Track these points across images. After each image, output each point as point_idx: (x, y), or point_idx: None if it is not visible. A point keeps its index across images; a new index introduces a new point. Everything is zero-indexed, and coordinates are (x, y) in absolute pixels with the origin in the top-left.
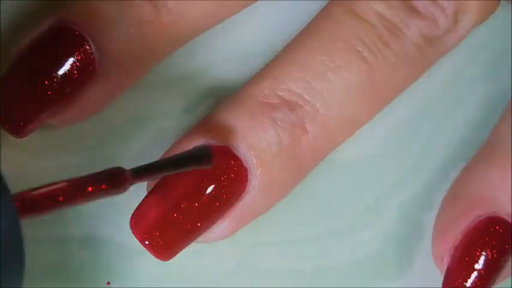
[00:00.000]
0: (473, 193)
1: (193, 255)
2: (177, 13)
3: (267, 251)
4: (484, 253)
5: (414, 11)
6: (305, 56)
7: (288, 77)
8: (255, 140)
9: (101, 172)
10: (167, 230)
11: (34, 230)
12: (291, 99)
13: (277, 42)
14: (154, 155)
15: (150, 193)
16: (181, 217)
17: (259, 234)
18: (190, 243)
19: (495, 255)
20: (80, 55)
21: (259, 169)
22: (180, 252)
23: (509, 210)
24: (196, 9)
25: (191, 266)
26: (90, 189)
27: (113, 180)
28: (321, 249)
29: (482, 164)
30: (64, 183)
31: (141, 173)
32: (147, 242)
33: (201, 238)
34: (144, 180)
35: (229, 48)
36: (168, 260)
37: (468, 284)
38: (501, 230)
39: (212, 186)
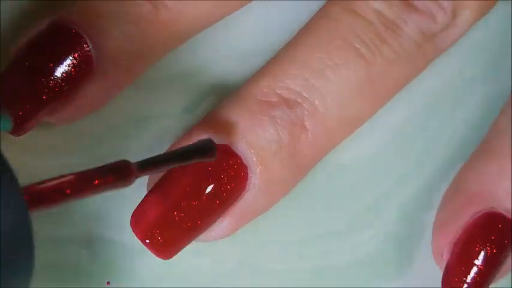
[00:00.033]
0: (472, 189)
1: (194, 254)
2: (177, 12)
3: (267, 251)
4: (483, 249)
5: (412, 8)
6: (303, 54)
7: (286, 75)
8: (254, 138)
9: (107, 165)
10: (168, 228)
11: (34, 230)
12: (290, 97)
13: (278, 41)
14: (154, 154)
15: (150, 192)
16: (182, 215)
17: (259, 233)
18: (191, 241)
19: (494, 251)
20: (77, 53)
21: (259, 167)
22: (181, 252)
23: (508, 205)
24: (196, 8)
25: (191, 265)
26: (96, 182)
27: (119, 173)
28: (321, 249)
29: (480, 160)
30: (71, 176)
31: (146, 165)
32: (147, 241)
33: (201, 237)
34: (149, 173)
35: (230, 47)
36: (169, 258)
37: (468, 279)
38: (500, 225)
39: (212, 184)
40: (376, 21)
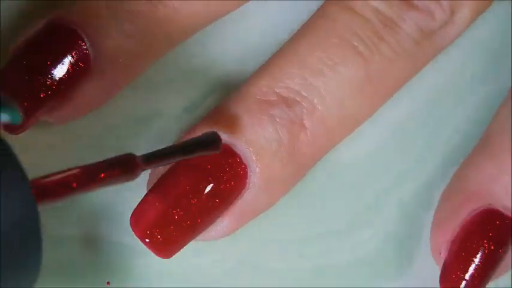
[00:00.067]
0: (470, 186)
1: (194, 254)
2: (173, 8)
3: (267, 250)
4: (480, 246)
5: (410, 5)
6: (302, 53)
7: (285, 74)
8: (253, 137)
9: (113, 158)
10: (167, 227)
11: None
12: (289, 96)
13: (278, 42)
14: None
15: (150, 191)
16: (181, 214)
17: (259, 233)
18: (191, 240)
19: (492, 247)
20: (75, 52)
21: (259, 166)
22: (181, 252)
23: (505, 202)
24: (193, 5)
25: (192, 265)
26: (102, 175)
27: (125, 166)
28: (321, 248)
29: (478, 157)
30: (77, 170)
31: (151, 158)
32: (147, 240)
33: (201, 236)
34: (155, 166)
35: (230, 48)
36: (168, 257)
37: (465, 276)
38: (497, 222)
39: (211, 183)
40: (374, 19)
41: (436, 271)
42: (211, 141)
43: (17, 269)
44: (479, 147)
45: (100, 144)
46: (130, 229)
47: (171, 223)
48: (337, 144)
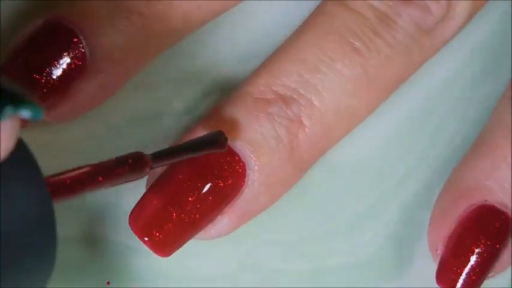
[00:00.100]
0: (466, 183)
1: (194, 255)
2: (168, 4)
3: (268, 252)
4: (477, 242)
5: (406, 1)
6: (299, 51)
7: (282, 72)
8: (251, 135)
9: (123, 156)
10: (166, 225)
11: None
12: (286, 94)
13: (277, 42)
14: None
15: (148, 190)
16: (180, 212)
17: (259, 234)
18: (190, 238)
19: (488, 243)
20: (70, 50)
21: (257, 163)
22: (181, 252)
23: (501, 198)
24: (188, 2)
25: (192, 266)
26: (113, 173)
27: (134, 164)
28: (322, 249)
29: (475, 155)
30: (88, 168)
31: (159, 157)
32: (146, 239)
33: (201, 235)
34: (162, 164)
35: (232, 49)
36: (167, 256)
37: (462, 272)
38: (493, 218)
39: (210, 181)
40: (371, 15)
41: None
42: (217, 140)
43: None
44: (476, 145)
45: (100, 144)
46: (130, 229)
47: (169, 221)
48: (336, 142)
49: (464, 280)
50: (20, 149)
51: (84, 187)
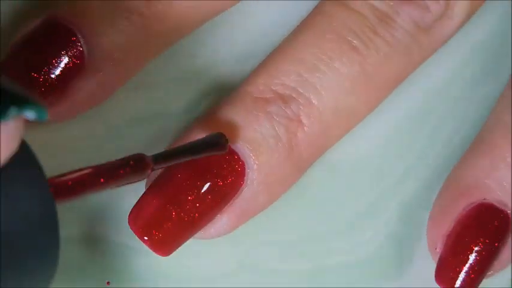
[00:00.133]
0: (465, 181)
1: (194, 254)
2: (168, 4)
3: (267, 251)
4: (476, 240)
5: (406, 0)
6: (298, 50)
7: (281, 71)
8: (251, 134)
9: (125, 158)
10: (165, 224)
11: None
12: (285, 93)
13: (277, 42)
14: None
15: (148, 189)
16: (179, 211)
17: (259, 234)
18: (189, 237)
19: (487, 241)
20: (68, 48)
21: (256, 162)
22: (181, 252)
23: (500, 197)
24: (188, 2)
25: (191, 265)
26: (115, 174)
27: (136, 166)
28: (322, 248)
29: (474, 153)
30: (90, 169)
31: (160, 158)
32: (146, 238)
33: (201, 234)
34: (163, 166)
35: (230, 49)
36: (167, 255)
37: (461, 271)
38: (492, 217)
39: (209, 180)
40: (369, 14)
41: None
42: (218, 142)
43: (35, 265)
44: (475, 144)
45: (100, 144)
46: (130, 229)
47: (169, 220)
48: (336, 141)
49: (463, 279)
50: (23, 150)
51: (86, 189)
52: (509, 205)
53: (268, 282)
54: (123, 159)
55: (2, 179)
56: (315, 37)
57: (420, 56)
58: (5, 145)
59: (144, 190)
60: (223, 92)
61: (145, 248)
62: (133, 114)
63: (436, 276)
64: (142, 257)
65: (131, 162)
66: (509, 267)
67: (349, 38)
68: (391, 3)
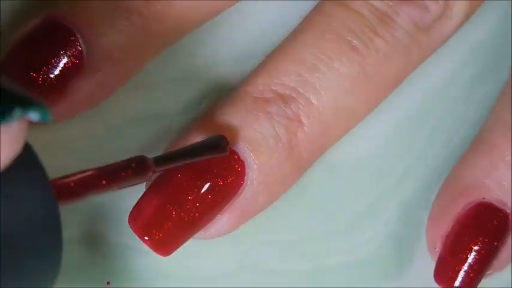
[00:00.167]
0: (464, 181)
1: (194, 254)
2: (168, 4)
3: (267, 251)
4: (475, 239)
5: (406, 0)
6: (298, 50)
7: (281, 71)
8: (251, 134)
9: (126, 160)
10: (165, 224)
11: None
12: (285, 93)
13: (276, 43)
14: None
15: (148, 189)
16: (179, 211)
17: (259, 234)
18: (190, 237)
19: (486, 241)
20: (67, 48)
21: (256, 162)
22: (181, 252)
23: (499, 196)
24: (187, 1)
25: (191, 265)
26: (116, 176)
27: (137, 168)
28: (321, 248)
29: (473, 153)
30: (92, 171)
31: (161, 161)
32: (146, 238)
33: (201, 234)
34: (164, 168)
35: (230, 49)
36: (168, 255)
37: (460, 270)
38: (491, 216)
39: (209, 179)
40: (369, 14)
41: None
42: (219, 144)
43: (38, 266)
44: (474, 143)
45: (100, 144)
46: (130, 229)
47: (169, 220)
48: (336, 141)
49: (463, 278)
50: (26, 151)
51: (88, 191)
52: (509, 204)
53: (268, 282)
54: (124, 161)
55: (6, 180)
56: (315, 37)
57: (419, 56)
58: (9, 146)
59: (144, 190)
60: (223, 92)
61: (145, 248)
62: (133, 114)
63: (435, 275)
64: (143, 257)
65: (133, 165)
66: (509, 267)
67: (349, 38)
68: (391, 3)
